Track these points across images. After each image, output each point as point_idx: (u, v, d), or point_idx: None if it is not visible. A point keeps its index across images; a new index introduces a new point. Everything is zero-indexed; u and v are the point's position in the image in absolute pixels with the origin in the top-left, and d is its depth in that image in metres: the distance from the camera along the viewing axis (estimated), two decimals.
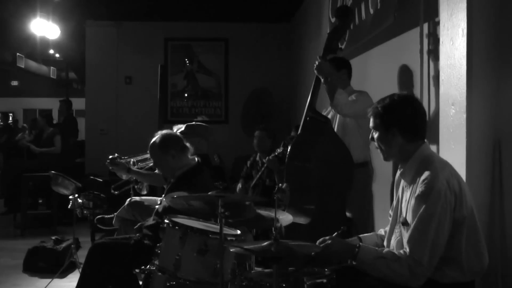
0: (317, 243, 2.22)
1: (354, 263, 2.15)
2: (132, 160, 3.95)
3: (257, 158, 5.28)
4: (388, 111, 2.24)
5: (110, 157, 3.82)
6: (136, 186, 4.02)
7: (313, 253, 2.16)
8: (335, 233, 2.28)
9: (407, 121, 2.23)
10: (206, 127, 4.84)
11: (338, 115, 3.69)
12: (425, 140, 2.28)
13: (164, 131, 3.40)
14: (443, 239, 2.05)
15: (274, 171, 4.78)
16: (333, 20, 4.94)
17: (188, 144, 3.40)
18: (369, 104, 3.24)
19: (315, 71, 3.51)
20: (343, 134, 3.60)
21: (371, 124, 2.31)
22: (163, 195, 3.38)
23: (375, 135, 2.29)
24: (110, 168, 3.84)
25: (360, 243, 2.24)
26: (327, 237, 2.23)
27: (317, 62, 3.50)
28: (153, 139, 3.34)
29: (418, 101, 2.39)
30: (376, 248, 2.25)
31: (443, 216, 2.04)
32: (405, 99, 2.30)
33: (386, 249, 2.18)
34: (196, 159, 3.45)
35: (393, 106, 2.25)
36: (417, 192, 2.09)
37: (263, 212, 2.59)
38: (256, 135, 5.22)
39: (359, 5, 4.14)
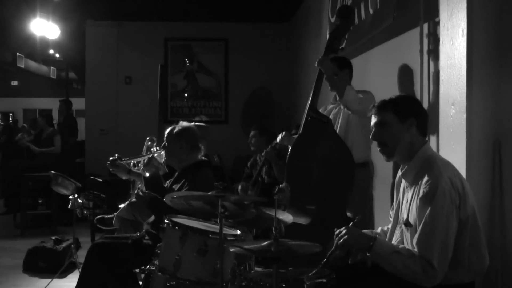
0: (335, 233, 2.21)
1: (368, 254, 2.14)
2: (132, 161, 3.95)
3: (257, 158, 5.31)
4: (405, 101, 2.28)
5: (111, 158, 3.83)
6: (138, 188, 4.02)
7: (332, 247, 2.17)
8: (351, 223, 2.24)
9: (422, 113, 2.28)
10: (206, 128, 4.86)
11: (341, 114, 3.68)
12: (427, 140, 2.29)
13: (188, 124, 3.51)
14: (452, 239, 2.04)
15: (272, 163, 4.79)
16: (333, 20, 4.94)
17: (202, 146, 3.46)
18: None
19: (317, 65, 3.51)
20: (346, 133, 3.59)
21: (377, 119, 2.26)
22: (168, 185, 3.41)
23: (384, 130, 2.24)
24: (111, 170, 3.85)
25: (377, 236, 2.22)
26: (343, 228, 2.20)
27: (320, 57, 3.51)
28: (176, 126, 3.47)
29: None
30: (392, 243, 2.24)
31: (450, 215, 2.03)
32: (414, 97, 2.34)
33: (402, 245, 2.16)
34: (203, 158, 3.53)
35: (408, 98, 2.33)
36: (421, 193, 2.08)
37: (267, 210, 2.57)
38: (250, 136, 5.29)
39: (358, 5, 4.14)
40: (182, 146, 3.36)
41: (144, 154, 4.05)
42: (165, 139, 3.45)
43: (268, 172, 4.98)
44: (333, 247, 2.17)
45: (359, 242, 2.16)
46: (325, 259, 2.17)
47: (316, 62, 3.51)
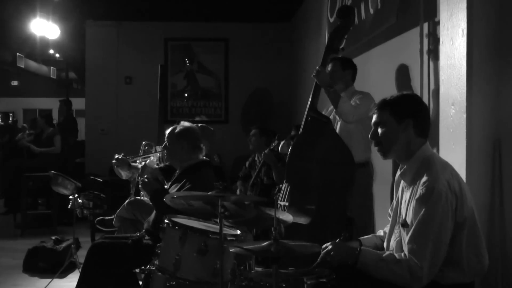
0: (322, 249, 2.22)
1: (356, 266, 2.15)
2: (137, 159, 4.02)
3: (256, 158, 5.31)
4: (404, 102, 2.24)
5: (117, 156, 3.96)
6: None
7: (316, 262, 2.18)
8: (338, 239, 2.26)
9: (421, 114, 2.24)
10: (212, 130, 4.88)
11: None
12: (427, 140, 2.28)
13: (189, 124, 3.49)
14: (445, 241, 2.04)
15: (271, 165, 4.80)
16: (332, 20, 4.94)
17: (203, 147, 3.45)
18: (372, 105, 3.22)
19: (314, 77, 3.52)
20: (345, 135, 3.59)
21: (377, 118, 2.26)
22: (168, 185, 3.42)
23: (381, 129, 2.24)
24: (114, 162, 3.94)
25: (361, 247, 2.23)
26: (328, 243, 2.22)
27: (317, 68, 3.51)
28: (177, 126, 3.46)
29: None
30: (377, 251, 2.24)
31: (444, 218, 2.02)
32: (415, 95, 2.32)
33: (387, 252, 2.17)
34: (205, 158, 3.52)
35: (408, 99, 2.27)
36: (418, 194, 2.08)
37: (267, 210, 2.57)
38: (250, 134, 5.30)
39: (358, 5, 4.14)
40: (184, 146, 3.35)
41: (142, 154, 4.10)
42: (166, 139, 3.44)
43: (267, 173, 4.98)
44: (318, 260, 2.18)
45: (345, 255, 2.17)
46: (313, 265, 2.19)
47: (313, 74, 3.51)
